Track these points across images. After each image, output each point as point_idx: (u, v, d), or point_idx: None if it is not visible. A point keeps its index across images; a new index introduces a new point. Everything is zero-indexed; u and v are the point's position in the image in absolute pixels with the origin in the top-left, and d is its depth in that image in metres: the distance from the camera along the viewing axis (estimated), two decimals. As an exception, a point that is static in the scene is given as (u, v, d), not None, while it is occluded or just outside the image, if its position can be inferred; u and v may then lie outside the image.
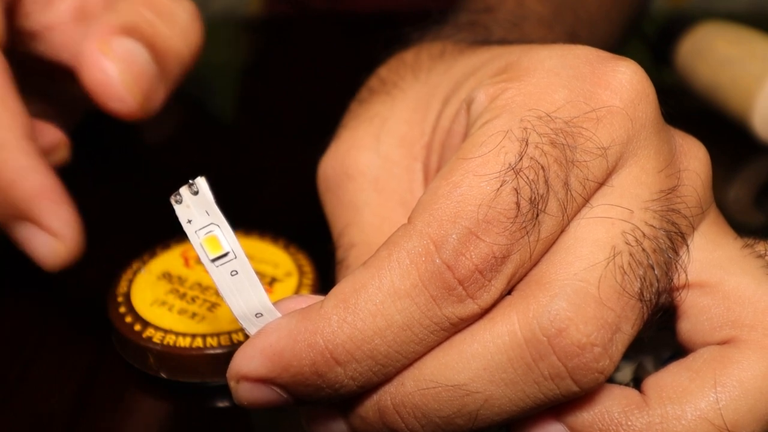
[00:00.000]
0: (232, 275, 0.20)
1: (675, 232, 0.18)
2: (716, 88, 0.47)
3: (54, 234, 0.22)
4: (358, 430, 0.18)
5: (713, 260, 0.19)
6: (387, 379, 0.17)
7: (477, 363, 0.17)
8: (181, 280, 0.28)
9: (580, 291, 0.16)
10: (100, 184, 0.39)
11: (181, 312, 0.26)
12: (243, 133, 0.46)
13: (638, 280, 0.17)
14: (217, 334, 0.25)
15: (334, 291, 0.18)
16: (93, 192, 0.38)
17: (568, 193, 0.17)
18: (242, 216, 0.31)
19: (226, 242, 0.20)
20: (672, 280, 0.19)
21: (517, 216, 0.16)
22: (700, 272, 0.19)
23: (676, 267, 0.19)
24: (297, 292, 0.27)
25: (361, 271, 0.17)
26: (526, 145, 0.17)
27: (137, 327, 0.25)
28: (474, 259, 0.16)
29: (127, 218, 0.37)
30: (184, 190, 0.21)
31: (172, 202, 0.20)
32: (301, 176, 0.33)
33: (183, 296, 0.27)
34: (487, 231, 0.16)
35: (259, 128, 0.47)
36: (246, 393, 0.18)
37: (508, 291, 0.18)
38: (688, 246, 0.19)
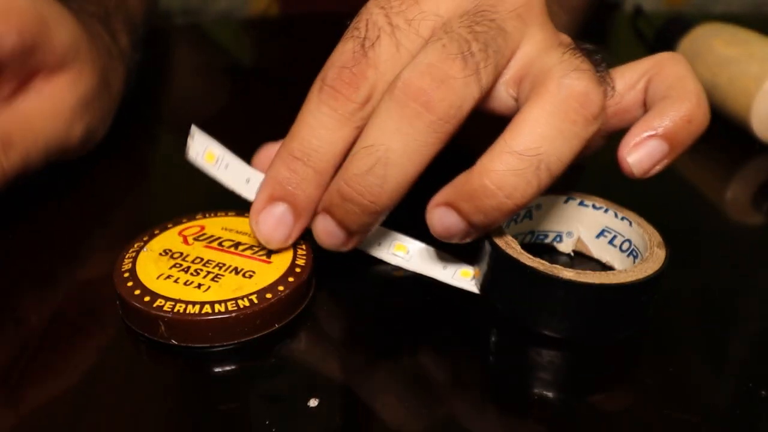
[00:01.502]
0: (227, 169, 0.31)
1: (488, 22, 0.26)
2: (714, 89, 0.47)
3: None
4: (335, 216, 0.27)
5: (534, 57, 0.27)
6: (329, 167, 0.27)
7: (375, 127, 0.26)
8: (182, 255, 0.29)
9: (415, 63, 0.26)
10: (95, 183, 0.39)
11: (187, 283, 0.27)
12: (243, 133, 0.46)
13: (457, 47, 0.25)
14: (224, 301, 0.27)
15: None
16: (90, 185, 0.38)
17: (394, 28, 0.27)
18: (245, 213, 0.31)
19: (216, 151, 0.31)
20: (499, 53, 0.26)
21: (361, 53, 0.26)
22: (523, 67, 0.27)
23: (500, 42, 0.26)
24: (294, 261, 0.29)
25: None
26: (370, 14, 0.27)
27: (146, 299, 0.27)
28: (344, 78, 0.26)
29: (125, 207, 0.37)
30: (188, 142, 0.31)
31: (187, 153, 0.31)
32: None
33: (187, 270, 0.28)
34: (347, 65, 0.26)
35: (259, 128, 0.47)
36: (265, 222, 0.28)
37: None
38: (506, 33, 0.27)
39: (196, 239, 0.30)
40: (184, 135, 0.31)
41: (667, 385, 0.26)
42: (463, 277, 0.30)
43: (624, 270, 0.27)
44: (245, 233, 0.31)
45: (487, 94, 0.27)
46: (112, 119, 0.40)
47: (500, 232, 0.28)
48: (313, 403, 0.25)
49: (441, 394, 0.26)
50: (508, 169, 0.24)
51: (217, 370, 0.26)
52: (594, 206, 0.32)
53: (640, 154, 0.27)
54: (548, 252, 0.33)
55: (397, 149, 0.25)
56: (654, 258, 0.28)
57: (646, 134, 0.27)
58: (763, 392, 0.26)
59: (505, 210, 0.25)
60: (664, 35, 0.55)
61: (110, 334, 0.28)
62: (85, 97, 0.36)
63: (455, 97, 0.25)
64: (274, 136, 0.30)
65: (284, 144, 0.28)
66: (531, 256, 0.27)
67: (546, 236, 0.33)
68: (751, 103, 0.44)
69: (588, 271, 0.26)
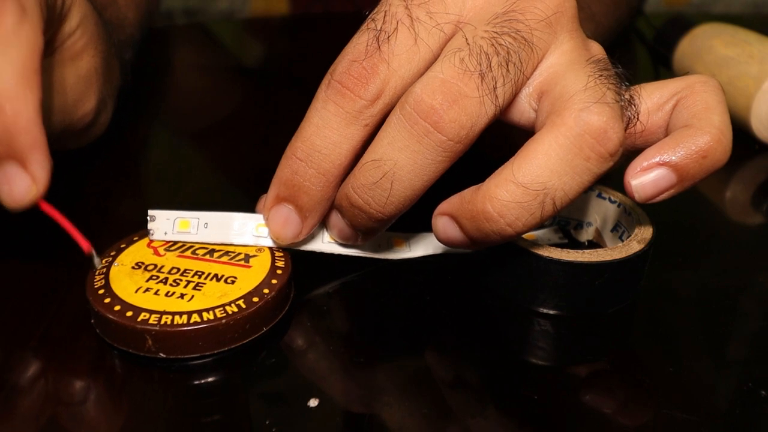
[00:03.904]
0: (207, 228, 0.30)
1: (514, 33, 0.25)
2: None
3: (34, 178, 0.26)
4: (345, 216, 0.28)
5: (559, 72, 0.26)
6: (333, 168, 0.26)
7: (384, 141, 0.25)
8: (157, 267, 0.28)
9: (429, 78, 0.25)
10: (94, 184, 0.39)
11: (169, 294, 0.27)
12: (244, 134, 0.46)
13: (476, 62, 0.24)
14: (212, 309, 0.26)
15: None
16: (89, 185, 0.38)
17: (414, 20, 0.25)
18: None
19: (188, 216, 0.30)
20: (520, 70, 0.25)
21: (375, 46, 0.25)
22: (546, 82, 0.26)
23: (523, 56, 0.25)
24: (274, 264, 0.29)
25: None
26: (389, 5, 0.26)
27: (129, 314, 0.26)
28: (353, 73, 0.25)
29: (123, 208, 0.37)
30: (149, 226, 0.30)
31: (151, 236, 0.30)
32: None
33: (165, 281, 0.28)
34: (358, 58, 0.25)
35: (260, 129, 0.47)
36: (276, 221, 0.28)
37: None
38: (532, 46, 0.25)
39: (167, 250, 0.30)
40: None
41: (667, 385, 0.26)
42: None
43: (584, 253, 0.29)
44: (220, 242, 0.30)
45: (503, 111, 0.26)
46: (113, 110, 0.40)
47: None
48: (313, 403, 0.25)
49: (441, 393, 0.26)
50: (513, 199, 0.24)
51: (205, 380, 0.26)
52: (610, 199, 0.33)
53: (645, 179, 0.26)
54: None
55: (404, 165, 0.25)
56: (621, 249, 0.29)
57: (655, 161, 0.26)
58: (763, 392, 0.26)
59: (505, 235, 0.25)
60: (664, 35, 0.55)
61: (86, 355, 0.27)
62: (88, 73, 0.35)
63: (467, 117, 0.24)
64: (277, 137, 0.30)
65: (291, 142, 0.27)
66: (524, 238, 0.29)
67: (568, 223, 0.34)
68: (750, 104, 0.44)
69: (572, 251, 0.29)
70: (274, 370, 0.27)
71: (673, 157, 0.26)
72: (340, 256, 0.31)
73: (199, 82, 0.57)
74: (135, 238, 0.30)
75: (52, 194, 0.29)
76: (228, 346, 0.26)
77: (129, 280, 0.28)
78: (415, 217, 0.29)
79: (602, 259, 0.28)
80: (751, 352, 0.29)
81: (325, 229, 0.30)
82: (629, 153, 0.28)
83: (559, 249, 0.28)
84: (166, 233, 0.30)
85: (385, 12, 0.26)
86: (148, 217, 0.30)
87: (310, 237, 0.30)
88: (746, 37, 0.48)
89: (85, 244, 0.27)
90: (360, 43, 0.26)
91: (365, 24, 0.26)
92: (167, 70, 0.59)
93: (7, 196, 0.27)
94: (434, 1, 0.26)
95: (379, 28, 0.26)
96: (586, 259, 0.28)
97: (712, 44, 0.49)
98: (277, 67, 0.61)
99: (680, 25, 0.53)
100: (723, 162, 0.26)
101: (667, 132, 0.28)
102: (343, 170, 0.27)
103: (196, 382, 0.26)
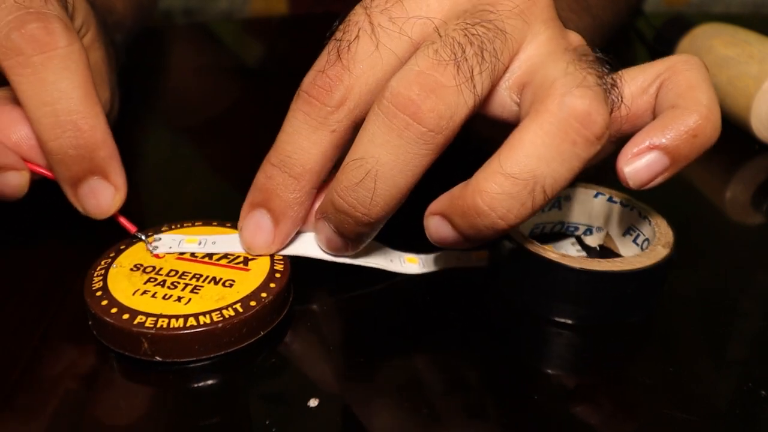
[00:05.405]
0: (215, 244, 0.30)
1: (486, 23, 0.25)
2: (714, 89, 0.47)
3: (116, 187, 0.29)
4: (334, 224, 0.27)
5: (538, 63, 0.26)
6: (305, 172, 0.27)
7: (364, 139, 0.25)
8: (155, 269, 0.28)
9: (405, 71, 0.25)
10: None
11: (166, 297, 0.27)
12: (243, 134, 0.46)
13: (450, 52, 0.24)
14: (208, 312, 0.26)
15: None
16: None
17: (375, 27, 0.26)
18: (212, 223, 0.31)
19: (194, 235, 0.30)
20: (496, 58, 0.25)
21: (336, 55, 0.26)
22: (526, 74, 0.26)
23: (498, 45, 0.25)
24: (272, 267, 0.29)
25: None
26: (353, 15, 0.26)
27: (125, 316, 0.26)
28: (318, 83, 0.26)
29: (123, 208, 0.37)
30: (154, 244, 0.30)
31: (154, 251, 0.29)
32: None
33: (163, 284, 0.28)
34: (322, 68, 0.26)
35: (260, 129, 0.47)
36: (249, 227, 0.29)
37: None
38: (506, 35, 0.25)
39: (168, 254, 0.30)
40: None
41: (667, 385, 0.26)
42: (478, 259, 0.32)
43: (612, 261, 0.28)
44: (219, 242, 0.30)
45: (483, 101, 0.26)
46: (119, 105, 0.40)
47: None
48: (313, 403, 0.25)
49: (440, 394, 0.26)
50: (502, 191, 0.24)
51: (204, 381, 0.26)
52: (622, 203, 0.32)
53: (638, 165, 0.26)
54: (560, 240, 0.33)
55: (386, 162, 0.25)
56: (650, 255, 0.28)
57: (645, 145, 0.25)
58: (763, 392, 0.26)
59: (498, 229, 0.24)
60: (663, 35, 0.55)
61: (86, 356, 0.27)
62: (98, 65, 0.35)
63: (446, 107, 0.24)
64: (274, 136, 0.30)
65: (268, 153, 0.28)
66: (541, 245, 0.28)
67: (576, 228, 0.34)
68: (750, 103, 0.44)
69: (588, 258, 0.28)
70: (274, 370, 0.27)
71: (664, 140, 0.25)
72: (346, 264, 0.30)
73: (199, 82, 0.57)
74: (134, 240, 0.30)
75: (51, 195, 0.29)
76: (224, 350, 0.26)
77: (127, 281, 0.28)
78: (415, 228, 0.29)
79: (633, 267, 0.27)
80: (751, 352, 0.29)
81: None
82: (619, 140, 0.28)
83: (588, 258, 0.28)
84: (170, 248, 0.30)
85: (348, 21, 0.26)
86: (154, 239, 0.30)
87: (309, 244, 0.30)
88: (746, 37, 0.48)
89: (131, 227, 0.30)
90: (324, 53, 0.26)
91: (333, 35, 0.27)
92: (167, 70, 0.59)
93: (95, 208, 0.29)
94: (396, 7, 0.26)
95: (340, 38, 0.26)
96: (617, 268, 0.27)
97: (712, 44, 0.49)
98: (277, 67, 0.61)
99: (680, 25, 0.53)
100: (714, 139, 0.26)
101: (654, 115, 0.27)
102: (314, 175, 0.27)
103: (195, 383, 0.26)
